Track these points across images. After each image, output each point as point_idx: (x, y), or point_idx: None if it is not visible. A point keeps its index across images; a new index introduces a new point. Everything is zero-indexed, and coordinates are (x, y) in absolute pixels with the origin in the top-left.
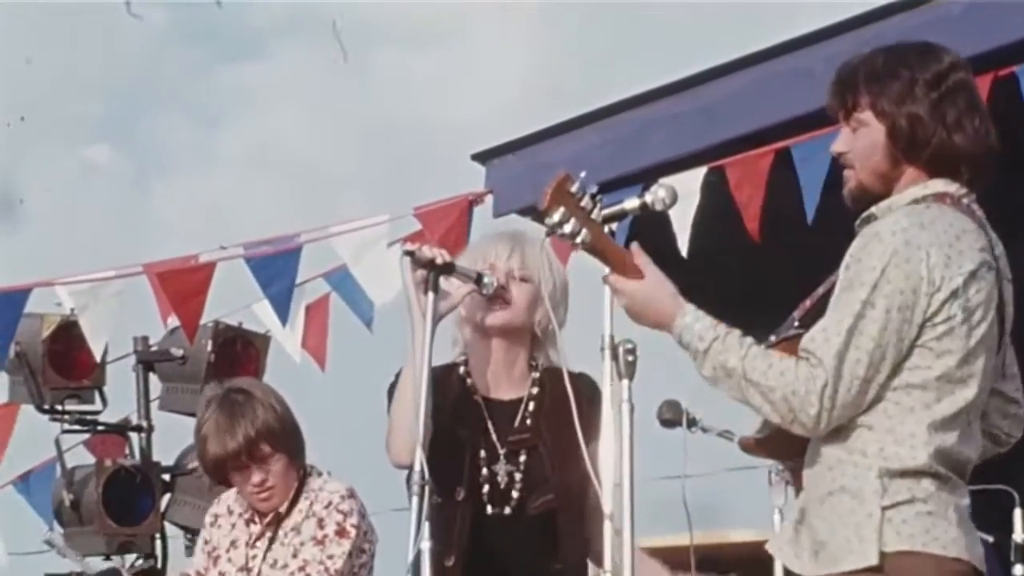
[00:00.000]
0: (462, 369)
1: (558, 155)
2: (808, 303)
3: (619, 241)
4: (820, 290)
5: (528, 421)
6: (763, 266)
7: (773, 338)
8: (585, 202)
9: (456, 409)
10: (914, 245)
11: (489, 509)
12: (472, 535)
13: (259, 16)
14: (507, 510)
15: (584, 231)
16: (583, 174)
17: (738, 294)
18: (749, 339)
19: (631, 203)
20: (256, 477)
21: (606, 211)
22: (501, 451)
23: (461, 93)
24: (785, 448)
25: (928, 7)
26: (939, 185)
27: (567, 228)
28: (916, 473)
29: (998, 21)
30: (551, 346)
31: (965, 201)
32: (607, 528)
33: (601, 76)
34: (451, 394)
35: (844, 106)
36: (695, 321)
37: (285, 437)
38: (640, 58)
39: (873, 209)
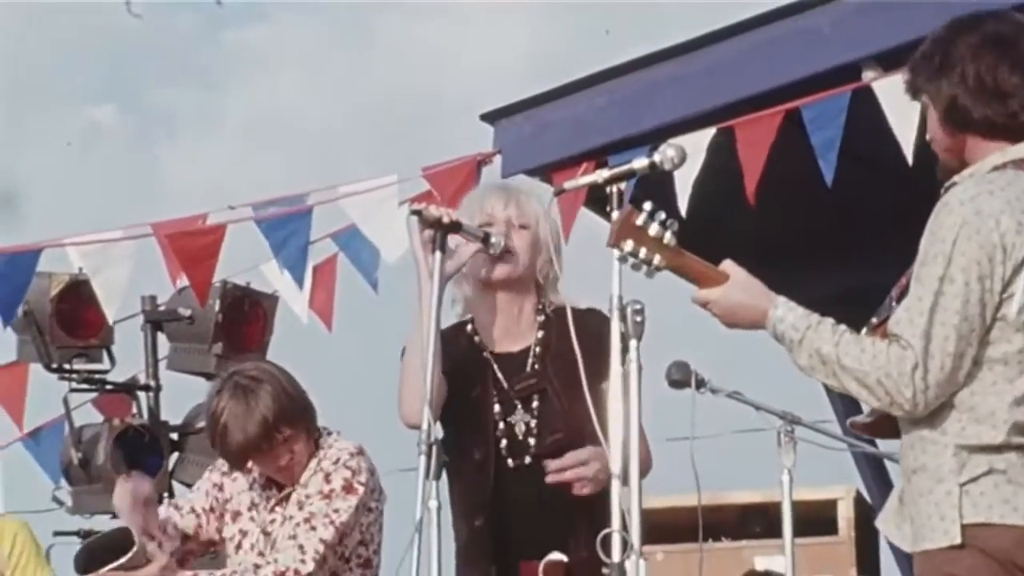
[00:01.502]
0: (468, 328)
1: (566, 115)
2: (904, 280)
3: (626, 201)
4: (913, 267)
5: (536, 366)
6: (764, 229)
7: (874, 320)
8: (654, 229)
9: (466, 369)
10: (984, 213)
11: (510, 462)
12: (495, 491)
13: None
14: (527, 460)
15: (657, 257)
16: (648, 205)
17: (737, 256)
18: (842, 326)
19: (640, 162)
20: (283, 460)
21: (615, 170)
22: (517, 402)
23: (468, 56)
24: (895, 428)
25: None
26: (1020, 150)
27: (640, 257)
28: (997, 447)
29: None
30: (554, 290)
31: None
32: (615, 486)
33: (606, 40)
34: (460, 354)
35: (915, 89)
36: (788, 312)
37: (300, 413)
38: (647, 21)
39: (955, 178)
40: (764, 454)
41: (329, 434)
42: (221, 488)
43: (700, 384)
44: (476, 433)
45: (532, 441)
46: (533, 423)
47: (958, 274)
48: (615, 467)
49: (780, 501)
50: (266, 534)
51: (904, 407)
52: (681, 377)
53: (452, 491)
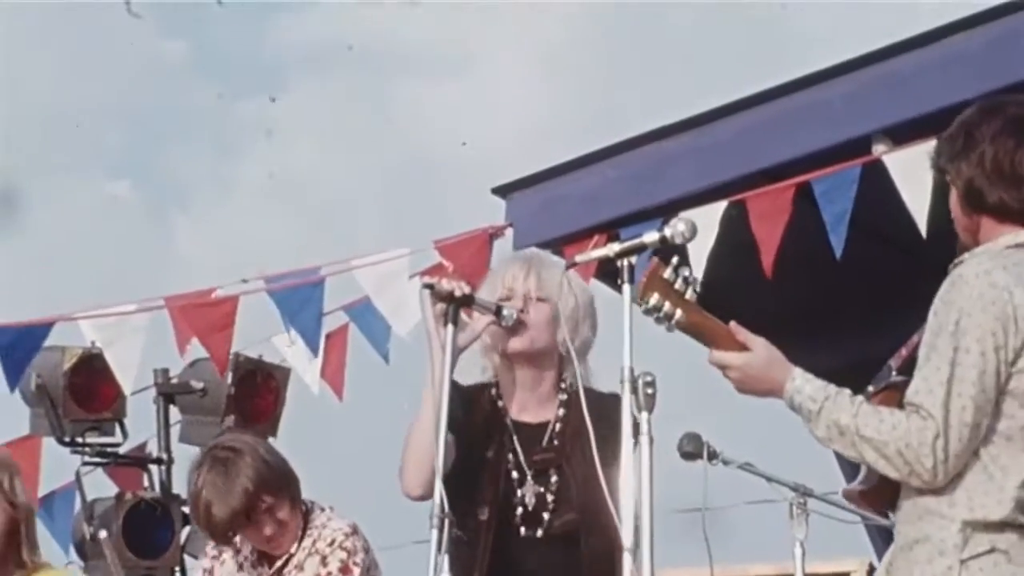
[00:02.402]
0: (493, 390)
1: (577, 188)
2: (904, 352)
3: (638, 275)
4: (915, 338)
5: (555, 442)
6: (777, 301)
7: (871, 388)
8: (679, 285)
9: (486, 429)
10: (1000, 286)
11: (523, 531)
12: (501, 557)
13: (277, 48)
14: (539, 532)
15: (679, 312)
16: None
17: (754, 328)
18: (859, 397)
19: (650, 236)
20: (268, 529)
21: (626, 244)
22: (528, 472)
23: (479, 125)
24: (890, 498)
25: (946, 42)
26: None
27: (663, 310)
28: (1000, 525)
29: (1018, 54)
30: (582, 362)
31: None
32: (627, 560)
33: (618, 110)
34: (481, 414)
35: (940, 169)
36: (805, 383)
37: (282, 482)
38: (657, 92)
39: (964, 255)
40: (777, 526)
41: (322, 510)
42: (211, 573)
43: (712, 456)
44: (484, 493)
45: (546, 516)
46: (549, 497)
47: (974, 344)
48: (626, 541)
49: (793, 573)
50: None
51: (924, 477)
52: (693, 449)
53: (451, 553)
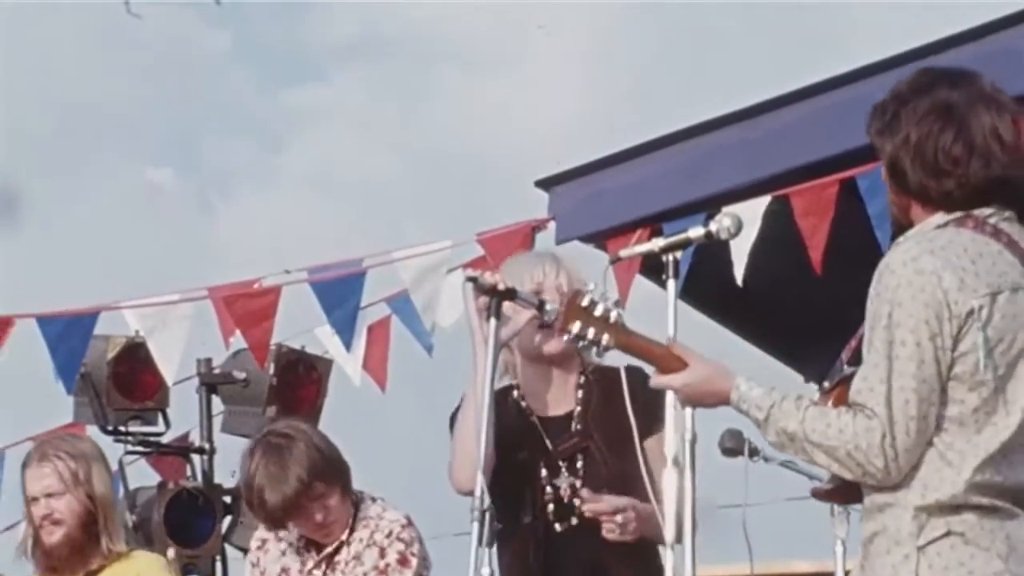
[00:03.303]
0: (515, 393)
1: (621, 182)
2: (853, 343)
3: (682, 269)
4: (862, 329)
5: (578, 426)
6: (820, 297)
7: (827, 384)
8: (599, 311)
9: (514, 433)
10: (927, 272)
11: (557, 527)
12: (546, 557)
13: (320, 38)
14: (573, 521)
15: (606, 336)
16: (591, 286)
17: (793, 325)
18: (805, 400)
19: (696, 232)
20: (319, 516)
21: (671, 239)
22: (562, 464)
23: (526, 118)
24: (856, 494)
25: (991, 39)
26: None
27: (588, 337)
28: (955, 507)
29: None
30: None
31: (992, 221)
32: (668, 556)
33: (662, 105)
34: (508, 419)
35: (870, 137)
36: (749, 390)
37: (334, 471)
38: (698, 87)
39: (900, 238)
40: (817, 524)
41: (374, 500)
42: (256, 564)
43: (753, 452)
44: (524, 497)
45: (578, 502)
46: (578, 483)
47: (909, 336)
48: (668, 535)
49: (834, 571)
50: None
51: (877, 477)
52: (734, 445)
53: (501, 558)
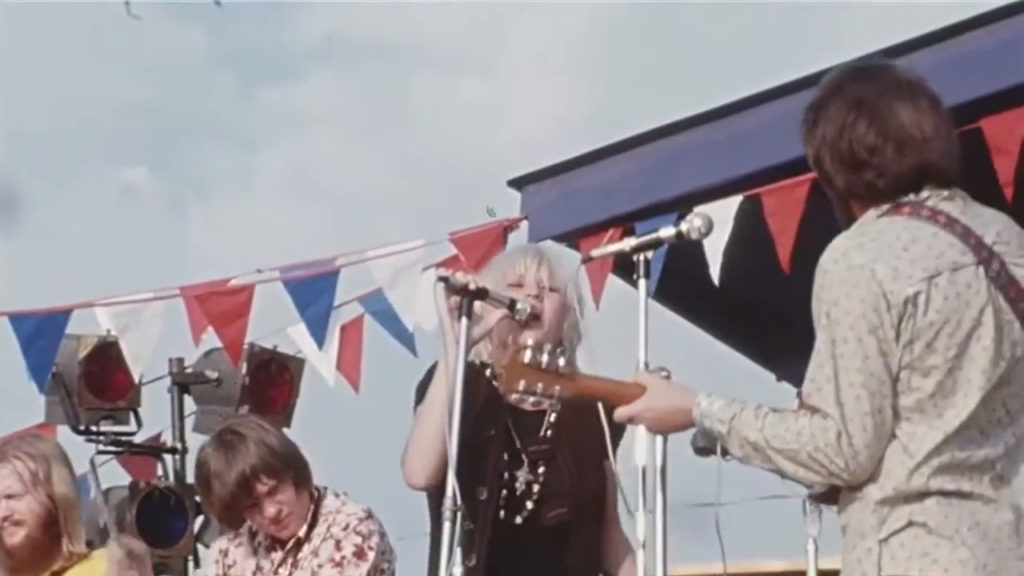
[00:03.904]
0: (489, 372)
1: (593, 181)
2: None
3: (654, 268)
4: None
5: (549, 432)
6: (792, 297)
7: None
8: (546, 363)
9: (484, 409)
10: (857, 267)
11: (502, 514)
12: (496, 538)
13: (297, 40)
14: (518, 519)
15: (557, 388)
16: (530, 341)
17: (769, 323)
18: (764, 408)
19: (667, 232)
20: (270, 511)
21: (642, 239)
22: (524, 459)
23: (498, 119)
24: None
25: (960, 40)
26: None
27: (538, 393)
28: (918, 496)
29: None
30: (579, 353)
31: (930, 204)
32: (639, 557)
33: (634, 108)
34: (480, 392)
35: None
36: (710, 406)
37: (286, 467)
38: (674, 90)
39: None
40: (790, 523)
41: (336, 496)
42: (226, 554)
43: (725, 451)
44: (483, 472)
45: (529, 504)
46: (536, 486)
47: (849, 333)
48: (640, 535)
49: (806, 570)
50: None
51: (843, 476)
52: (706, 444)
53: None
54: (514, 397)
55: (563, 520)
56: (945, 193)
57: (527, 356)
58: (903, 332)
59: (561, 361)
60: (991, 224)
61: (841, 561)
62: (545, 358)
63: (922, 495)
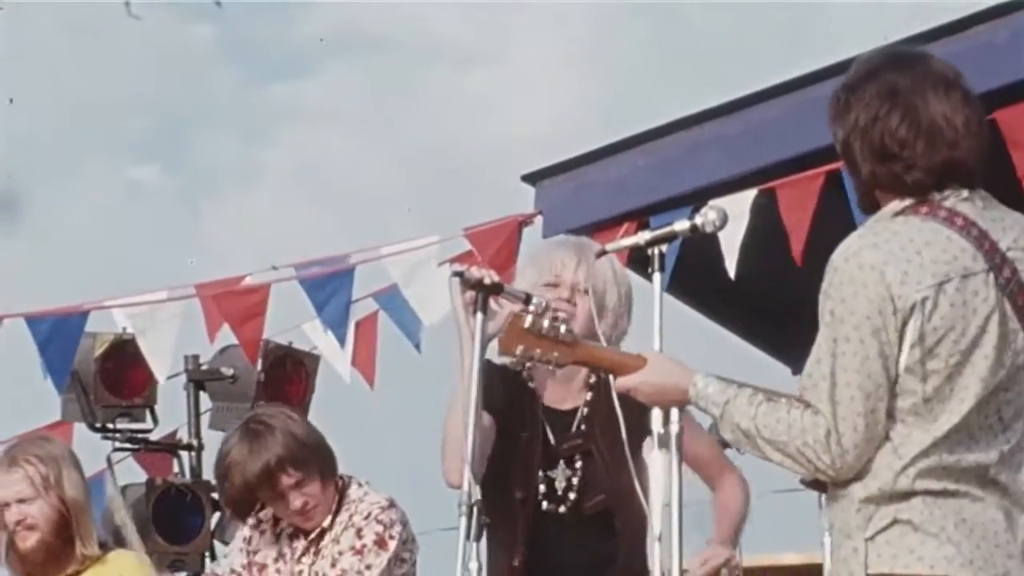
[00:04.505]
0: (525, 373)
1: (607, 176)
2: None
3: (668, 262)
4: None
5: (583, 427)
6: (807, 290)
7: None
8: (546, 328)
9: (521, 409)
10: (867, 267)
11: (544, 505)
12: (537, 537)
13: (307, 33)
14: (562, 508)
15: (556, 353)
16: (532, 305)
17: (780, 318)
18: (759, 396)
19: (681, 225)
20: (297, 503)
21: (657, 232)
22: (560, 458)
23: (511, 113)
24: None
25: (976, 31)
26: (912, 198)
27: (535, 358)
28: (903, 495)
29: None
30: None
31: (948, 204)
32: (655, 549)
33: (649, 101)
34: (516, 393)
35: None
36: (706, 387)
37: (312, 458)
38: (688, 82)
39: (861, 227)
40: (806, 516)
41: (359, 485)
42: (250, 541)
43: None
44: (520, 472)
45: (572, 496)
46: (575, 480)
47: (852, 332)
48: (655, 529)
49: (821, 563)
50: None
51: (828, 473)
52: (721, 438)
53: (490, 528)
54: (509, 362)
55: (602, 508)
56: (965, 194)
57: (527, 321)
58: (907, 336)
59: (562, 328)
60: (1010, 229)
61: (829, 560)
62: (546, 324)
63: (908, 495)
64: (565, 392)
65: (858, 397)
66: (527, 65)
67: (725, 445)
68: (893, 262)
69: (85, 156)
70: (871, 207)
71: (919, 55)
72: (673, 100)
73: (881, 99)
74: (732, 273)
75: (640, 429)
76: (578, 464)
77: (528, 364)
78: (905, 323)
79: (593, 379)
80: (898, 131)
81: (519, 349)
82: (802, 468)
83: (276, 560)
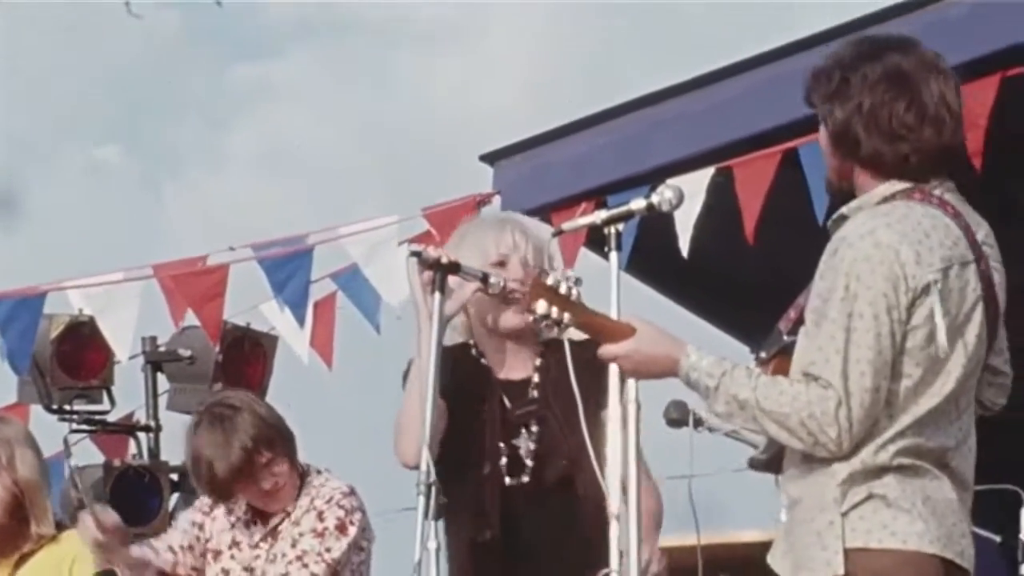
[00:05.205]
0: (474, 350)
1: (565, 156)
2: (793, 314)
3: (626, 241)
4: (801, 299)
5: (536, 393)
6: (763, 268)
7: (763, 354)
8: (563, 289)
9: (473, 387)
10: (884, 245)
11: (508, 480)
12: (507, 509)
13: (271, 16)
14: (524, 478)
15: (567, 315)
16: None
17: (739, 297)
18: (757, 370)
19: (637, 204)
20: (266, 484)
21: (613, 211)
22: (518, 426)
23: (471, 95)
24: None
25: (932, 8)
26: (907, 182)
27: (552, 316)
28: (878, 471)
29: (1004, 22)
30: None
31: (937, 192)
32: (613, 527)
33: (609, 79)
34: (467, 372)
35: (810, 103)
36: (700, 359)
37: (279, 439)
38: (648, 61)
39: (843, 209)
40: (764, 493)
41: (319, 472)
42: (201, 527)
43: (698, 423)
44: (482, 449)
45: (529, 462)
46: (532, 445)
47: (867, 308)
48: (613, 507)
49: None
50: (248, 571)
51: (829, 447)
52: (679, 416)
53: (451, 507)
54: (531, 317)
55: (565, 473)
56: (948, 184)
57: (550, 279)
58: (912, 317)
59: (575, 291)
60: (980, 225)
61: (789, 531)
62: (564, 285)
63: (883, 470)
64: (516, 362)
65: (868, 373)
66: (491, 45)
67: (674, 424)
68: (907, 242)
69: (47, 135)
70: (841, 189)
71: (914, 41)
72: (639, 80)
73: (888, 82)
74: (685, 252)
75: (596, 392)
76: (535, 429)
77: (543, 322)
78: (913, 303)
79: (541, 346)
80: (906, 116)
81: (541, 305)
82: (798, 441)
83: (231, 547)
